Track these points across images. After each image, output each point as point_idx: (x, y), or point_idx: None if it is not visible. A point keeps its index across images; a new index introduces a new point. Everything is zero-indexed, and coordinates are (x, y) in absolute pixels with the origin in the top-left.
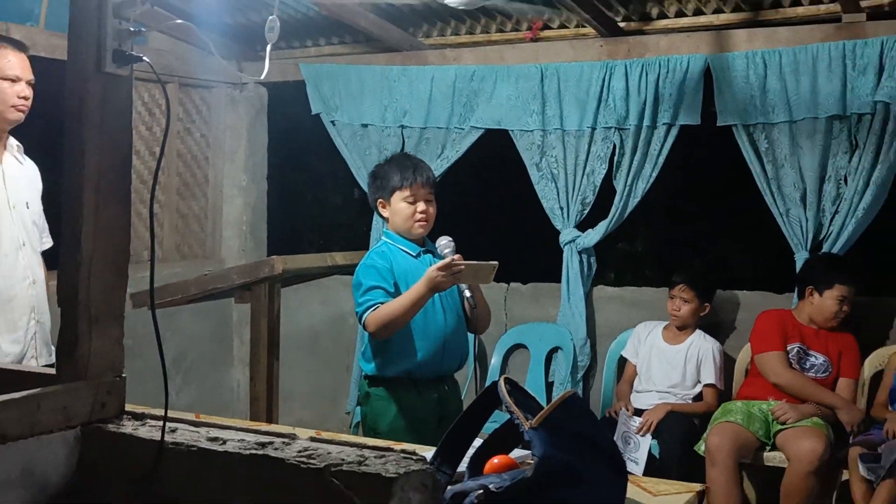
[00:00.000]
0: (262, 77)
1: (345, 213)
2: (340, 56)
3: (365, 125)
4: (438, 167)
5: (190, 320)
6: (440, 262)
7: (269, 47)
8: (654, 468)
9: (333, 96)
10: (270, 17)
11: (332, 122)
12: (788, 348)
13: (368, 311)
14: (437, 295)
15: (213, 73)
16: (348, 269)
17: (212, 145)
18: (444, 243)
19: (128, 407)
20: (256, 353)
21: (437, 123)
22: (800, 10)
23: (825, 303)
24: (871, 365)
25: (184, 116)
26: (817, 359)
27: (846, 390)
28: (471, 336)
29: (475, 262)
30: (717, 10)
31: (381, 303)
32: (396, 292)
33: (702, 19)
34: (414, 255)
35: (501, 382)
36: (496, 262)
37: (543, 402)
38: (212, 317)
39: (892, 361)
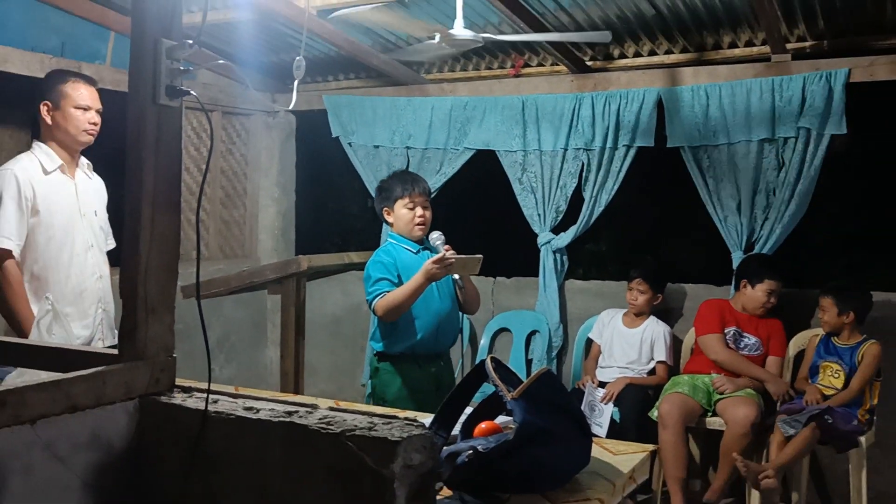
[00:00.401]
0: (291, 107)
1: (360, 220)
2: (356, 88)
3: (377, 146)
4: (437, 181)
5: (231, 308)
6: (434, 256)
7: (296, 83)
8: (615, 431)
9: (350, 122)
10: (297, 58)
11: (349, 143)
12: (726, 331)
13: (377, 299)
14: (434, 284)
15: (251, 103)
16: (362, 266)
17: (249, 163)
18: (436, 236)
19: (178, 381)
20: (286, 336)
21: (437, 145)
22: (736, 51)
23: (756, 294)
24: (794, 345)
25: (226, 139)
26: (750, 339)
27: (774, 367)
28: (466, 322)
29: (464, 255)
30: (668, 51)
31: (388, 291)
32: (400, 283)
33: (655, 59)
34: (414, 252)
35: (488, 361)
36: (481, 256)
37: (523, 377)
38: (250, 305)
39: (811, 343)
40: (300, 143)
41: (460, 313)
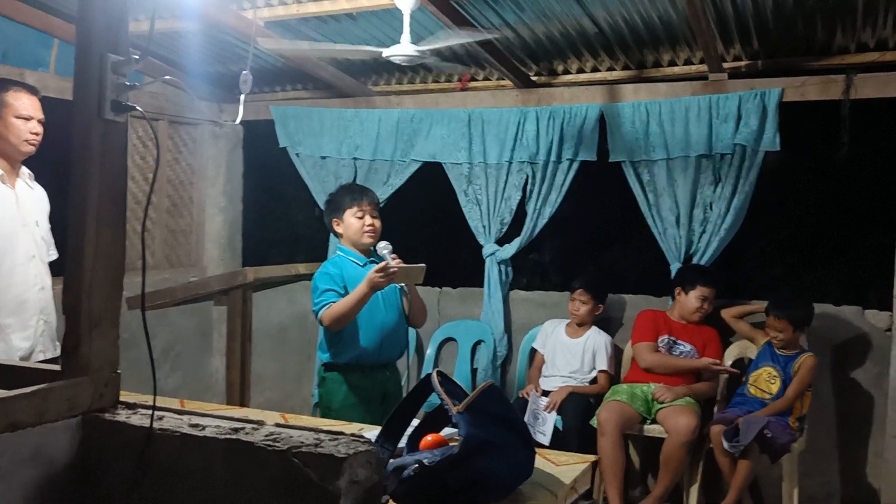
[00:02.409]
0: (237, 121)
1: (308, 229)
2: (304, 99)
3: (324, 157)
4: (384, 193)
5: (178, 317)
6: (378, 266)
7: (242, 97)
8: (557, 439)
9: (298, 133)
10: (244, 72)
11: (297, 154)
12: (660, 339)
13: (323, 309)
14: (379, 296)
15: (198, 113)
16: (309, 277)
17: (196, 172)
18: (382, 245)
19: (123, 396)
20: (232, 346)
21: (384, 156)
22: (675, 69)
23: (690, 300)
24: (730, 353)
25: (172, 148)
26: (685, 347)
27: (712, 374)
28: (412, 333)
29: (407, 264)
30: (610, 68)
31: (333, 302)
32: (346, 294)
33: (598, 75)
34: (361, 264)
35: (434, 375)
36: (424, 265)
37: (468, 386)
38: (196, 314)
39: (758, 339)
40: (248, 152)
41: (407, 325)
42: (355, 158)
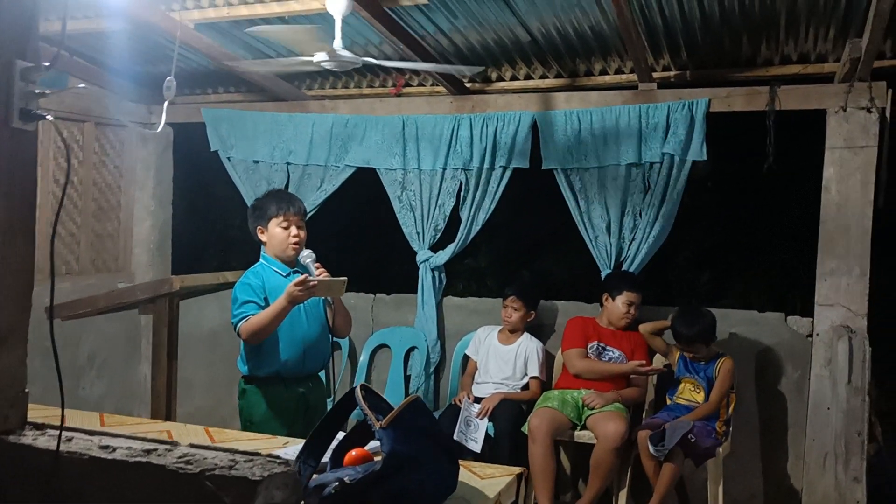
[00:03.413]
0: (159, 129)
1: (240, 233)
2: (237, 102)
3: (256, 161)
4: (318, 198)
5: (105, 323)
6: (297, 279)
7: (165, 104)
8: (489, 445)
9: (230, 136)
10: (168, 79)
11: (229, 158)
12: (589, 346)
13: (241, 321)
14: (302, 307)
15: (126, 113)
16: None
17: (124, 175)
18: (306, 254)
19: (43, 409)
20: (158, 355)
21: (318, 161)
22: (606, 78)
23: (616, 306)
24: (658, 359)
25: (99, 150)
26: (614, 353)
27: (639, 378)
28: (345, 343)
29: (327, 278)
30: (543, 76)
31: (252, 314)
32: (267, 306)
33: (531, 83)
34: (284, 274)
35: (358, 389)
36: (346, 278)
37: (402, 395)
38: (124, 320)
39: (672, 353)
40: (178, 155)
41: (330, 336)
42: (288, 163)
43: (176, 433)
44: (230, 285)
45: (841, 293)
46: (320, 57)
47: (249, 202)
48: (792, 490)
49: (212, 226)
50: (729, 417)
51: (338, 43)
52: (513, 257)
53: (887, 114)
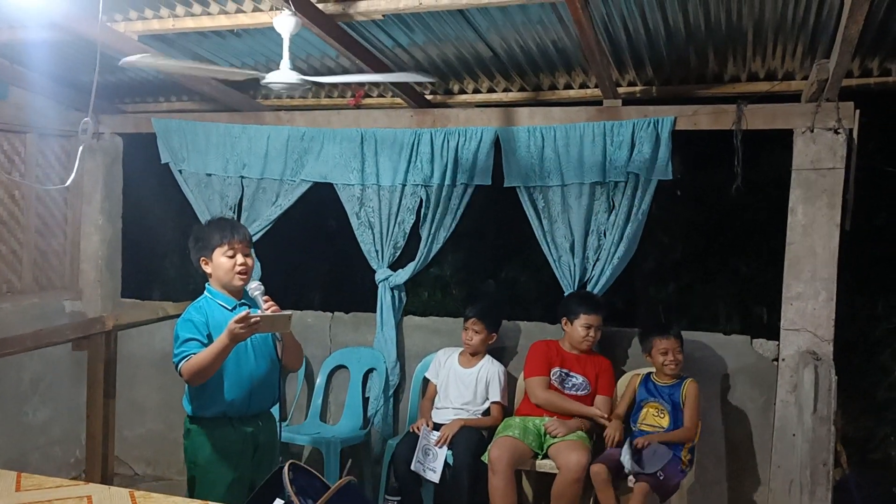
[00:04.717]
0: (67, 183)
1: None
2: (189, 112)
3: (209, 175)
4: (273, 213)
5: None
6: (237, 315)
7: (80, 148)
8: (448, 475)
9: (181, 148)
10: (84, 119)
11: (180, 171)
12: (552, 372)
13: (183, 361)
14: (249, 343)
15: (72, 124)
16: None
17: (70, 189)
18: (254, 286)
19: None
20: (92, 397)
21: (273, 176)
22: (571, 93)
23: (576, 330)
24: (622, 384)
25: (43, 163)
26: (577, 379)
27: (603, 406)
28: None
29: (271, 313)
30: (507, 90)
31: (194, 353)
32: (210, 343)
33: (494, 96)
34: (230, 308)
35: (286, 470)
36: (291, 312)
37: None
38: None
39: (632, 382)
40: (128, 167)
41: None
42: (242, 177)
43: (97, 499)
44: (172, 318)
45: (807, 317)
46: (269, 78)
47: (202, 217)
48: None
49: (164, 241)
50: (693, 445)
51: (285, 63)
52: (479, 266)
53: (855, 135)
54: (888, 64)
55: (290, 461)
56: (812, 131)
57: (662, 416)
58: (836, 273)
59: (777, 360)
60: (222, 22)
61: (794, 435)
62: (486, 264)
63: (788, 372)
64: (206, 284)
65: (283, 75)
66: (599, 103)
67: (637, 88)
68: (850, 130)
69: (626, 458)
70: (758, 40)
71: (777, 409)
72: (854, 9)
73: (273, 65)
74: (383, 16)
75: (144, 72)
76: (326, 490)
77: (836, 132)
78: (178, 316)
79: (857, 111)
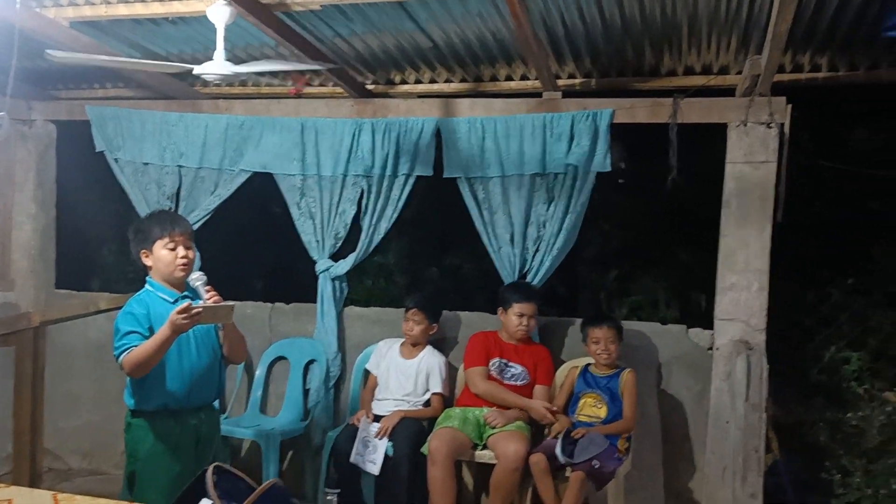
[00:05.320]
0: None
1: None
2: (125, 99)
3: (146, 164)
4: (212, 203)
5: None
6: (180, 307)
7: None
8: (388, 466)
9: (116, 137)
10: (1, 114)
11: (116, 159)
12: (491, 363)
13: (124, 354)
14: (191, 334)
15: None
16: (113, 310)
17: (1, 177)
18: (196, 277)
19: None
20: (20, 392)
21: (211, 165)
22: (512, 84)
23: (510, 318)
24: (561, 375)
25: None
26: (516, 369)
27: (541, 395)
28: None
29: (213, 304)
30: (448, 80)
31: (135, 346)
32: (151, 336)
33: (435, 87)
34: (171, 301)
35: (209, 472)
36: (234, 303)
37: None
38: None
39: (570, 374)
40: (62, 155)
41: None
42: (180, 166)
43: (19, 502)
44: (103, 312)
45: (740, 308)
46: (202, 69)
47: (139, 206)
48: (693, 503)
49: (99, 230)
50: (630, 434)
51: (219, 54)
52: (422, 253)
53: (786, 129)
54: (818, 59)
55: (215, 464)
56: (745, 125)
57: (600, 406)
58: (769, 264)
59: (712, 348)
60: (156, 10)
61: (727, 422)
62: (430, 252)
63: (722, 361)
64: (147, 277)
65: (217, 66)
66: (540, 95)
67: (577, 81)
68: (782, 125)
69: (558, 448)
70: (693, 34)
71: (712, 397)
72: (783, 6)
73: (211, 52)
74: (321, 6)
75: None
76: (252, 492)
77: (769, 126)
78: (109, 310)
79: (790, 106)
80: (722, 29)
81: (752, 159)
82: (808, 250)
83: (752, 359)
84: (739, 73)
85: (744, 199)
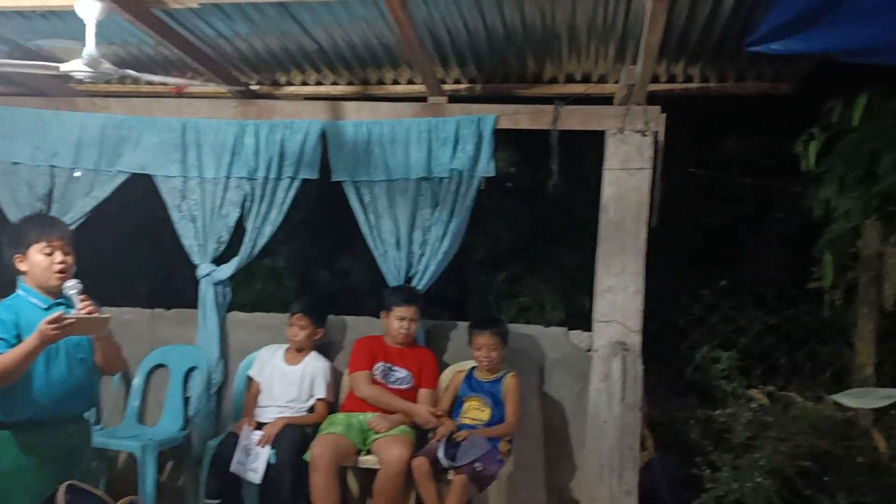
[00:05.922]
0: None
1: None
2: None
3: (16, 163)
4: (87, 205)
5: None
6: (50, 316)
7: None
8: (270, 474)
9: None
10: None
11: None
12: (375, 367)
13: None
14: (61, 344)
15: None
16: None
17: None
18: (70, 285)
19: None
20: None
21: (87, 165)
22: (399, 88)
23: (391, 322)
24: (446, 378)
25: None
26: (400, 373)
27: (427, 399)
28: None
29: (87, 315)
30: (334, 83)
31: (1, 353)
32: (19, 343)
33: (322, 89)
34: (45, 307)
35: (61, 492)
36: (110, 315)
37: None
38: None
39: (455, 378)
40: None
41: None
42: (53, 166)
43: None
44: None
45: (617, 309)
46: (69, 67)
47: (7, 209)
48: (573, 502)
49: None
50: (512, 437)
51: (90, 50)
52: (314, 257)
53: (661, 137)
54: (691, 70)
55: (68, 482)
56: (622, 133)
57: (484, 409)
58: (644, 267)
59: (590, 349)
60: (24, 2)
61: (605, 422)
62: (322, 256)
63: (600, 362)
64: (19, 281)
65: (85, 64)
66: (426, 100)
67: (462, 86)
68: (657, 133)
69: (441, 451)
70: (572, 42)
71: (590, 398)
72: (654, 18)
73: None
74: (200, 4)
75: None
76: None
77: (644, 134)
78: None
79: (664, 115)
80: (600, 38)
81: (628, 166)
82: (682, 253)
83: (627, 360)
84: (617, 81)
85: (620, 204)
